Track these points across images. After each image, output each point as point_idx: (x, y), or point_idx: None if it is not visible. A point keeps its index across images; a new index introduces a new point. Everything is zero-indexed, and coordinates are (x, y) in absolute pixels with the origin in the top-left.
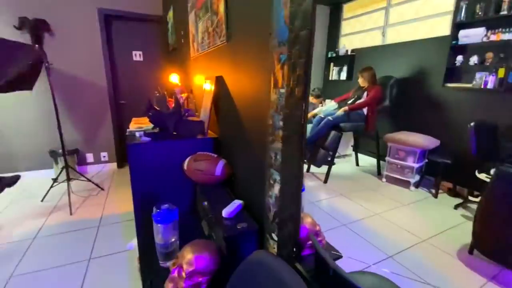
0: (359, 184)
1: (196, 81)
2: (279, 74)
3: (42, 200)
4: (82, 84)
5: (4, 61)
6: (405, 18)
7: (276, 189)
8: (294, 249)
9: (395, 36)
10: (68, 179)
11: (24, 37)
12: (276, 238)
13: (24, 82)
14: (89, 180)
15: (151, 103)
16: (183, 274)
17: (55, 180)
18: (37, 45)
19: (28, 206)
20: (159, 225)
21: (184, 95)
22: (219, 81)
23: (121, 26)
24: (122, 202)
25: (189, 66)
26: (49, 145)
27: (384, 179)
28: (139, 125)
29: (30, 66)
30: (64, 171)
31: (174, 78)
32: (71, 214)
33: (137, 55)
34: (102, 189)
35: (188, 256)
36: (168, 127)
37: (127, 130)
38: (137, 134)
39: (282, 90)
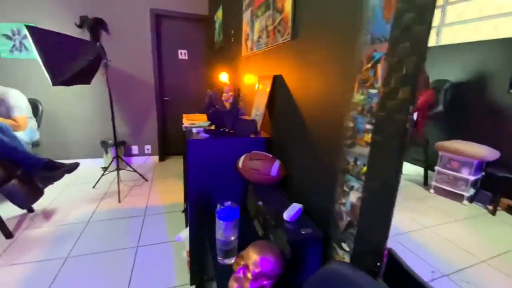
0: (404, 194)
1: (246, 80)
2: (367, 74)
3: (93, 187)
4: (132, 80)
5: (70, 56)
6: (465, 17)
7: (353, 197)
8: (378, 264)
9: (451, 36)
10: (118, 169)
11: (84, 35)
12: (347, 249)
13: (84, 76)
14: (135, 171)
15: (212, 101)
16: (249, 275)
17: (105, 169)
18: (98, 43)
19: (81, 191)
20: (221, 222)
21: (231, 94)
22: (278, 80)
23: (169, 25)
24: (165, 194)
25: (239, 65)
26: (100, 136)
27: (432, 190)
28: (192, 121)
29: (90, 62)
30: (113, 161)
31: (223, 77)
32: (119, 201)
33: (182, 54)
34: (146, 180)
35: (253, 257)
36: (226, 125)
37: (183, 126)
38: (195, 130)
39: (373, 91)
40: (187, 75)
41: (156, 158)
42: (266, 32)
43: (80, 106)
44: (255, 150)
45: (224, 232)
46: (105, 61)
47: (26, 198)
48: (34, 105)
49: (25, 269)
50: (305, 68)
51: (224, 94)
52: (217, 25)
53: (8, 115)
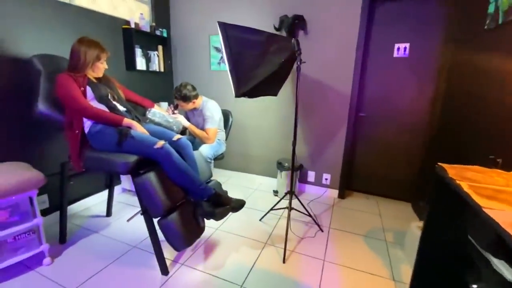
0: None
1: None
2: None
3: (260, 219)
4: (322, 90)
5: (257, 59)
6: None
7: None
8: None
9: None
10: (289, 208)
11: None
12: None
13: (271, 85)
14: (309, 215)
15: None
16: None
17: (276, 192)
18: (293, 38)
19: (248, 218)
20: None
21: None
22: None
23: (388, 10)
24: (345, 258)
25: None
26: (278, 154)
27: None
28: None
29: (281, 66)
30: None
31: None
32: (283, 262)
33: (401, 49)
34: (322, 230)
35: None
36: None
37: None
38: None
39: None
40: (402, 81)
41: (334, 192)
42: None
43: (265, 119)
44: None
45: None
46: (298, 63)
47: (184, 238)
48: (226, 116)
49: None
50: None
51: None
52: None
53: (202, 126)
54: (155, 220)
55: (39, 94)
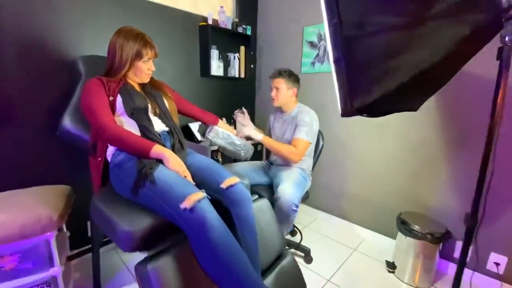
0: None
1: None
2: None
3: None
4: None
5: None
6: None
7: None
8: None
9: None
10: None
11: None
12: None
13: (421, 89)
14: None
15: None
16: None
17: (391, 267)
18: None
19: None
20: None
21: None
22: None
23: None
24: None
25: None
26: (396, 200)
27: None
28: None
29: (458, 48)
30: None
31: None
32: None
33: None
34: None
35: None
36: None
37: None
38: None
39: None
40: None
41: None
42: None
43: (378, 143)
44: None
45: None
46: (508, 38)
47: None
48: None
49: None
50: None
51: None
52: None
53: (288, 138)
54: None
55: (68, 105)
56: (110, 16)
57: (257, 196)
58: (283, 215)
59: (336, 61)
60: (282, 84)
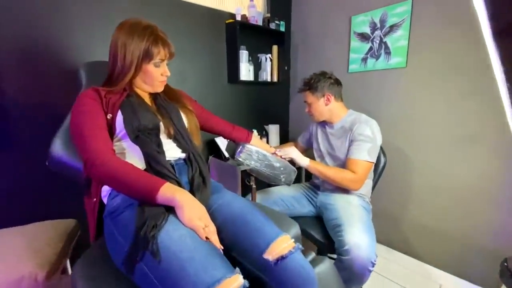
0: None
1: None
2: None
3: None
4: None
5: None
6: None
7: None
8: None
9: None
10: None
11: None
12: None
13: None
14: None
15: None
16: None
17: None
18: None
19: None
20: None
21: None
22: None
23: None
24: None
25: None
26: (493, 237)
27: None
28: None
29: None
30: None
31: None
32: None
33: None
34: None
35: None
36: None
37: None
38: None
39: None
40: None
41: None
42: None
43: (462, 160)
44: None
45: None
46: None
47: None
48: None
49: None
50: None
51: None
52: None
53: (337, 155)
54: None
55: (60, 126)
56: (124, 11)
57: (313, 254)
58: (353, 276)
59: None
60: (309, 97)
